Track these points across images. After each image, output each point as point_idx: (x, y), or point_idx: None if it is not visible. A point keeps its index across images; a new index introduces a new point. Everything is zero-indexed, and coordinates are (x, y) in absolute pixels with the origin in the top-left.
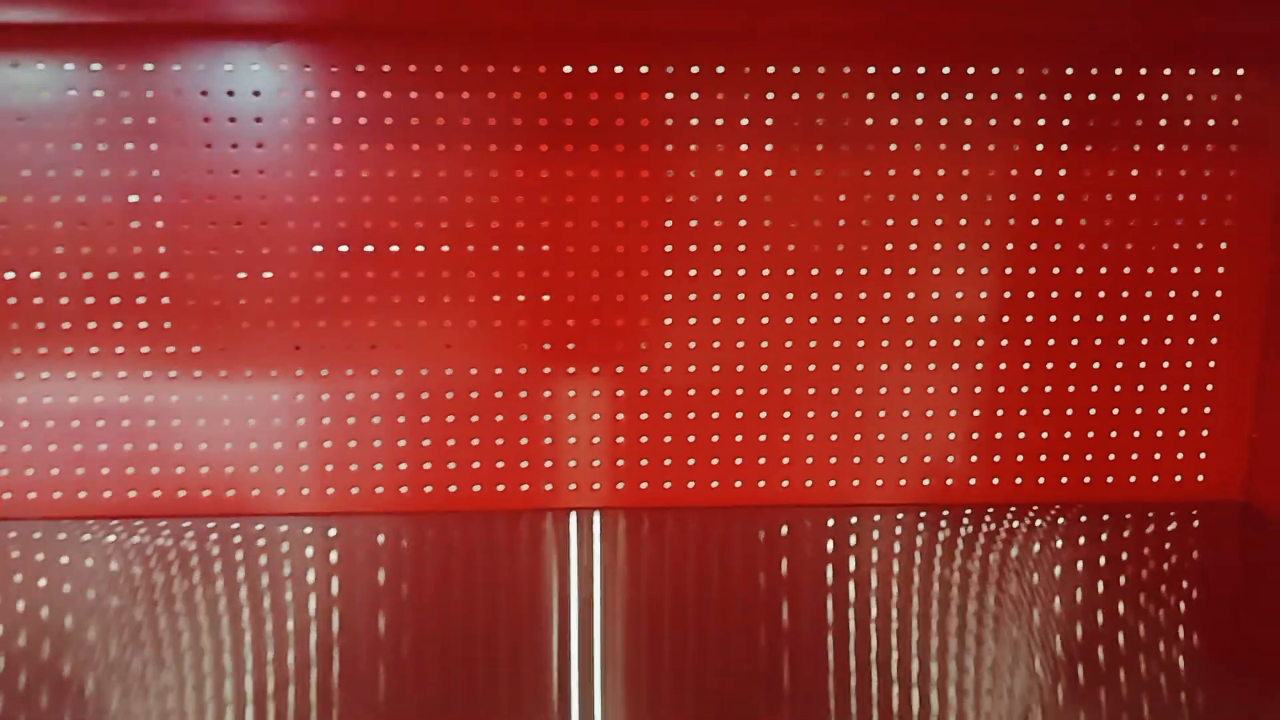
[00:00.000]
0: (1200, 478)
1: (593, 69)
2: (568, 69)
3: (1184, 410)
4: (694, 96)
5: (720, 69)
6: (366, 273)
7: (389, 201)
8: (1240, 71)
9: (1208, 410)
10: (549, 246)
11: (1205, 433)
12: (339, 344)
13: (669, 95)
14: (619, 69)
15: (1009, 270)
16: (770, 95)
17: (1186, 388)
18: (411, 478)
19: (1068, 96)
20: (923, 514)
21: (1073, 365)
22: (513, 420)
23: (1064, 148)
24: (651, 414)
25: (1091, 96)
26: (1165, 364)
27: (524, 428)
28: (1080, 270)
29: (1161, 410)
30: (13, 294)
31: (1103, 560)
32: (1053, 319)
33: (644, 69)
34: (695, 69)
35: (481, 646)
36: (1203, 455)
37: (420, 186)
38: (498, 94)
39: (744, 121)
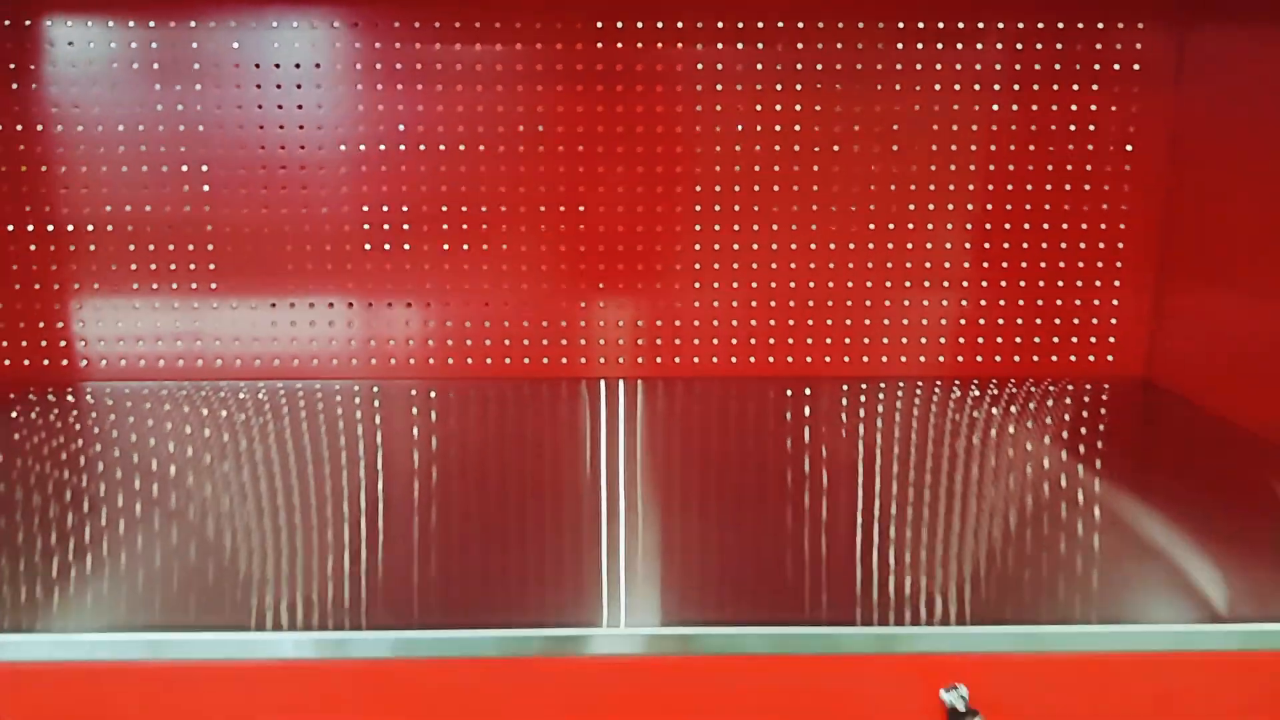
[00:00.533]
0: (1110, 358)
1: (619, 24)
2: (599, 24)
3: (1096, 302)
4: (719, 46)
5: (740, 24)
6: (441, 186)
7: (458, 131)
8: (1140, 25)
9: (1116, 303)
10: (583, 168)
11: (1114, 321)
12: (415, 248)
13: (699, 46)
14: (658, 24)
15: (971, 186)
16: (779, 46)
17: (1098, 284)
18: (475, 351)
19: (1019, 46)
20: (882, 385)
21: (1023, 265)
22: (555, 306)
23: (1016, 87)
24: (671, 305)
25: (1038, 46)
26: (1080, 264)
27: (565, 312)
28: (1029, 187)
29: (1078, 302)
30: (107, 216)
31: (1030, 423)
32: (1007, 226)
33: (679, 24)
34: (720, 24)
35: (531, 461)
36: (1111, 340)
37: (482, 119)
38: (543, 44)
39: (758, 66)
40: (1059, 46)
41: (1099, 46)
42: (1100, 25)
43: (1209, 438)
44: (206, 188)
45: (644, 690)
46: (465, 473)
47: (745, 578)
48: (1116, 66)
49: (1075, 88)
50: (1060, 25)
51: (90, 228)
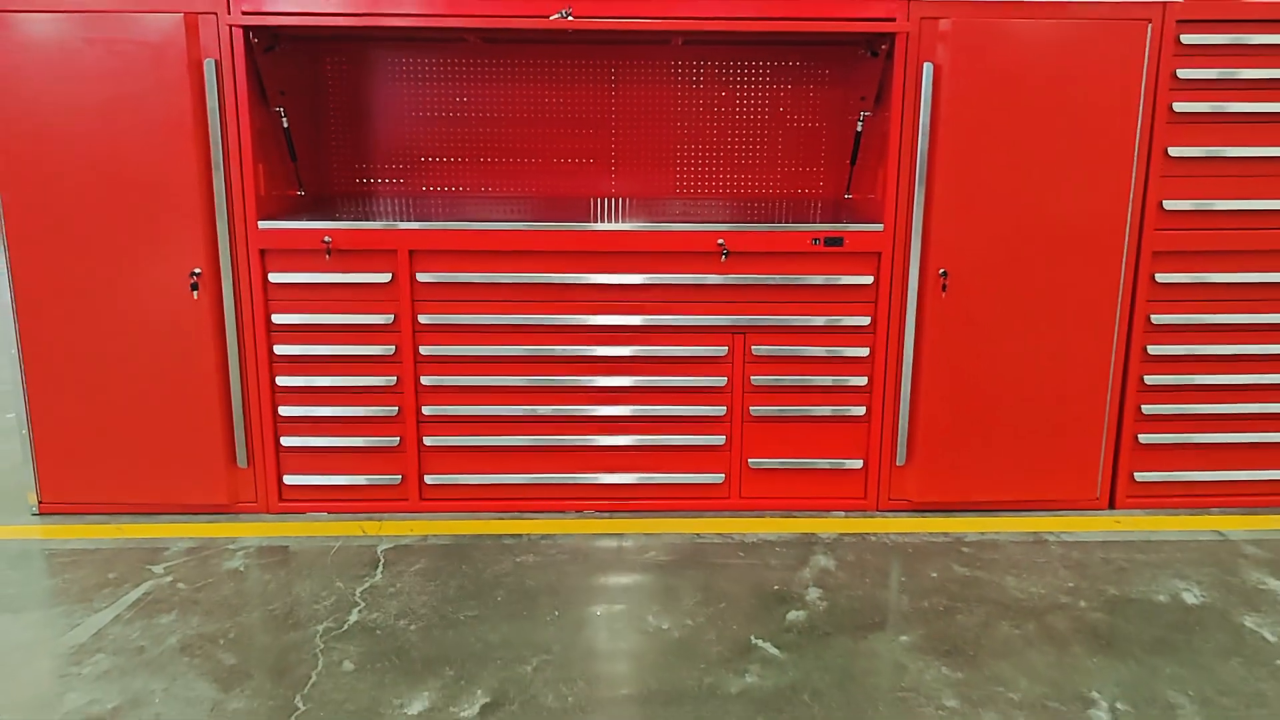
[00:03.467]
0: (836, 195)
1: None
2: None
3: (821, 181)
4: (662, 60)
5: (656, 53)
6: (481, 129)
7: (504, 107)
8: (830, 71)
9: (822, 180)
10: (598, 126)
11: (822, 183)
12: (508, 160)
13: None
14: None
15: (758, 145)
16: (695, 63)
17: (821, 167)
18: (543, 186)
19: (794, 64)
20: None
21: (793, 165)
22: (582, 181)
23: (786, 89)
24: (645, 177)
25: (787, 63)
26: (814, 160)
27: (589, 179)
28: (784, 133)
29: (819, 176)
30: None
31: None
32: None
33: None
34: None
35: (570, 207)
36: (824, 185)
37: (515, 103)
38: (547, 61)
39: (677, 77)
40: (801, 63)
41: (796, 62)
42: (795, 62)
43: (849, 204)
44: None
45: (607, 240)
46: (534, 217)
47: (650, 213)
48: (819, 74)
49: (807, 89)
50: (793, 61)
51: None
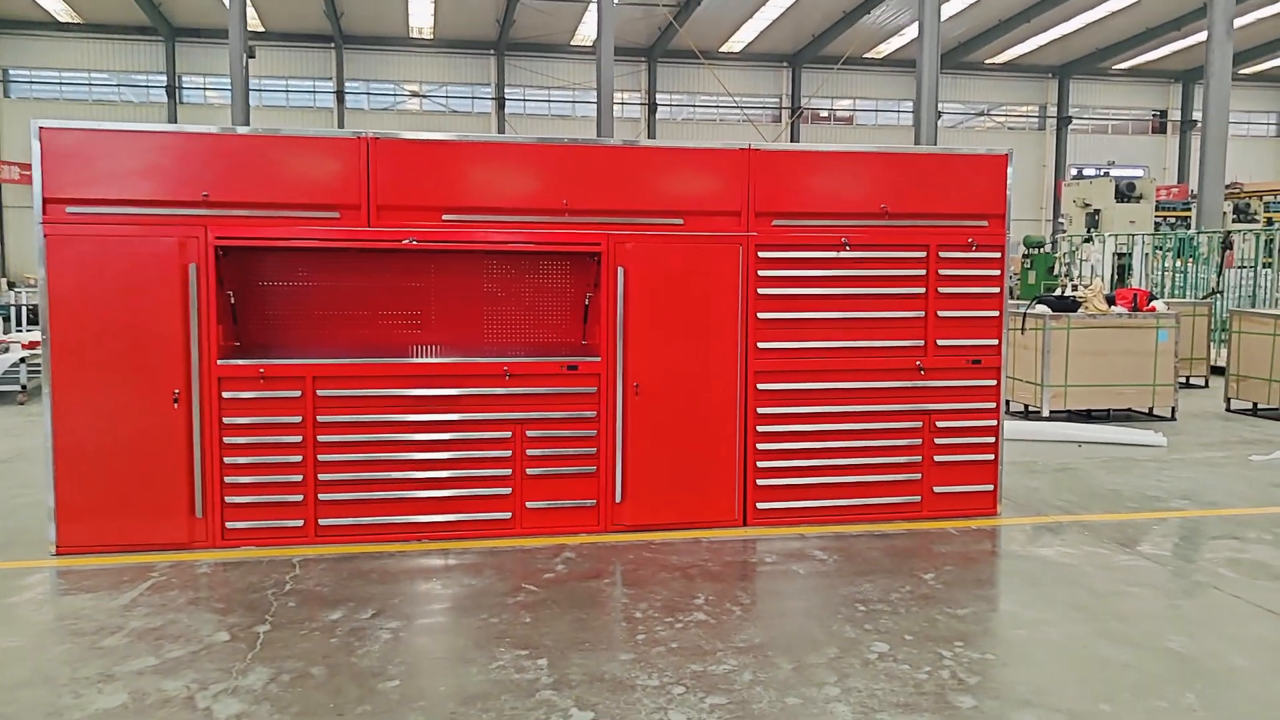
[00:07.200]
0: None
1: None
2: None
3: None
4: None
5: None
6: (350, 299)
7: (368, 286)
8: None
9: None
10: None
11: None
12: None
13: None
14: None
15: (561, 287)
16: (492, 262)
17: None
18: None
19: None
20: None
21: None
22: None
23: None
24: (461, 339)
25: (549, 263)
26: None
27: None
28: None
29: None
30: None
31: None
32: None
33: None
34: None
35: None
36: None
37: (376, 283)
38: (397, 262)
39: (481, 270)
40: (557, 263)
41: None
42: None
43: (584, 346)
44: None
45: (436, 369)
46: (392, 355)
47: (464, 352)
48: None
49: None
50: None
51: None
